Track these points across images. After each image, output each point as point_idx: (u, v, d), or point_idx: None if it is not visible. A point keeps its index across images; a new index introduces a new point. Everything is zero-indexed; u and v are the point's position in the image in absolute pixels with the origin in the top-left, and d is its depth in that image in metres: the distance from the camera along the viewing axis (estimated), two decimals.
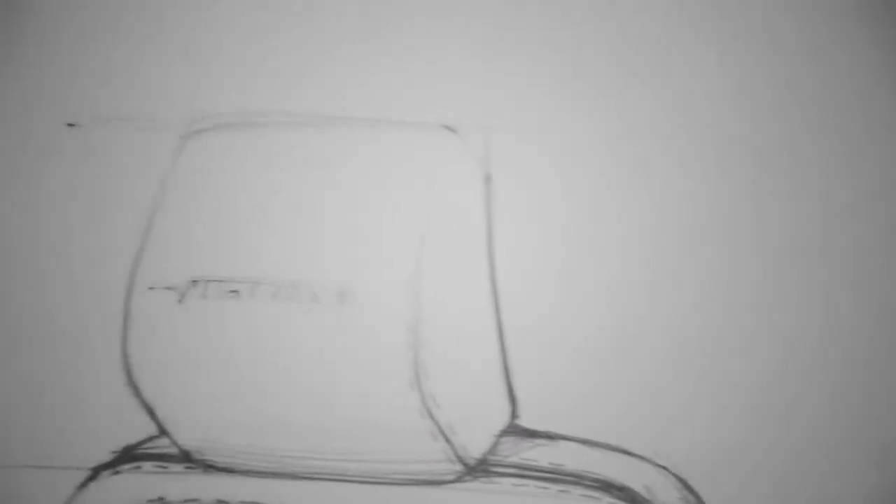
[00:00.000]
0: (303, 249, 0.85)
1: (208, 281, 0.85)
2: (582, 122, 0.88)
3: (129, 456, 0.89)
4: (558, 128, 0.88)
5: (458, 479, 0.86)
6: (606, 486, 0.86)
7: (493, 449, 0.87)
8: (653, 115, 0.88)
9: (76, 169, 0.91)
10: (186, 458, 0.88)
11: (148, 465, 0.89)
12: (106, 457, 0.90)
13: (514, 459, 0.87)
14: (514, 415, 0.88)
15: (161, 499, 0.88)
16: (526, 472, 0.87)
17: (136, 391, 0.86)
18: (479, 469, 0.87)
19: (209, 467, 0.88)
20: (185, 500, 0.87)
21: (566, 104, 0.88)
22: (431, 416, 0.83)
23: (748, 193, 0.88)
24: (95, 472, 0.89)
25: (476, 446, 0.86)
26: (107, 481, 0.89)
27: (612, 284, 0.88)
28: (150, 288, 0.86)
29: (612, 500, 0.85)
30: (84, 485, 0.89)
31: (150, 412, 0.87)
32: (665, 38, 0.89)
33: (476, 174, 0.87)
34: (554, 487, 0.86)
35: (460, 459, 0.85)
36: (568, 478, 0.86)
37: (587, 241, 0.88)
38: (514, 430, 0.88)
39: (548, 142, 0.88)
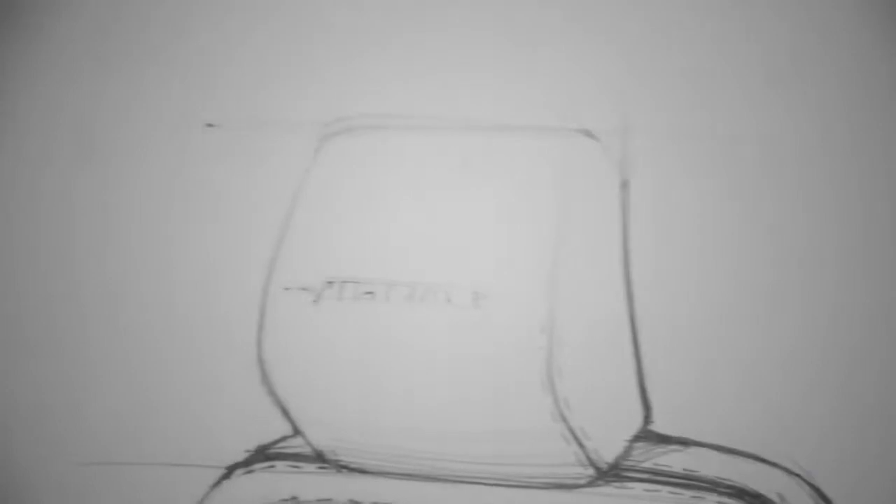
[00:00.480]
0: (438, 251, 0.85)
1: (344, 282, 0.85)
2: (721, 126, 0.87)
3: (263, 455, 0.90)
4: (697, 132, 0.87)
5: (591, 484, 0.86)
6: (740, 493, 0.85)
7: (625, 454, 0.87)
8: (797, 117, 0.87)
9: (214, 170, 0.92)
10: (320, 458, 0.88)
11: (281, 465, 0.89)
12: (240, 456, 0.90)
13: (647, 465, 0.87)
14: (647, 420, 0.87)
15: (294, 498, 0.88)
16: (659, 477, 0.86)
17: (271, 391, 0.87)
18: (612, 474, 0.86)
19: (342, 468, 0.88)
20: (318, 500, 0.88)
21: (706, 107, 0.88)
22: (564, 420, 0.83)
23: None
24: (230, 471, 0.90)
25: (609, 451, 0.86)
26: (240, 480, 0.90)
27: (748, 289, 0.87)
28: (286, 288, 0.86)
29: None
30: (218, 483, 0.90)
31: (285, 412, 0.87)
32: (802, 41, 0.88)
33: (613, 179, 0.87)
34: (687, 493, 0.86)
35: (592, 463, 0.85)
36: (701, 484, 0.86)
37: (724, 246, 0.87)
38: (648, 436, 0.88)
39: (686, 146, 0.87)
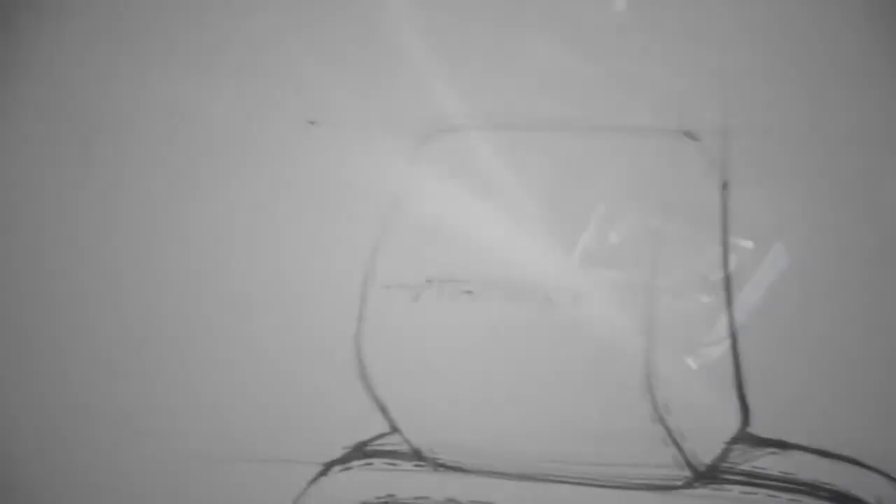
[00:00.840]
0: (538, 251, 0.85)
1: (443, 281, 0.86)
2: (822, 125, 0.87)
3: (361, 452, 0.90)
4: (798, 132, 0.87)
5: (688, 486, 0.86)
6: (838, 498, 0.85)
7: (723, 456, 0.87)
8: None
9: (315, 167, 0.92)
10: (417, 456, 0.89)
11: (378, 462, 0.90)
12: (338, 453, 0.90)
13: (745, 467, 0.87)
14: (745, 422, 0.87)
15: (391, 495, 0.89)
16: (756, 480, 0.86)
17: (369, 388, 0.88)
18: (709, 476, 0.86)
19: (439, 466, 0.88)
20: (415, 498, 0.88)
21: (807, 107, 0.87)
22: (662, 421, 0.83)
23: None
24: (327, 468, 0.90)
25: (706, 453, 0.86)
26: (338, 477, 0.90)
27: (848, 291, 0.86)
28: (386, 287, 0.87)
29: None
30: (315, 480, 0.90)
31: (382, 409, 0.88)
32: None
33: (713, 179, 0.87)
34: (784, 497, 0.85)
35: (690, 465, 0.85)
36: (799, 487, 0.85)
37: (824, 247, 0.86)
38: (745, 438, 0.87)
39: (787, 146, 0.87)
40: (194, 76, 0.94)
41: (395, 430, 0.88)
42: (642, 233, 0.85)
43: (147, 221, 0.94)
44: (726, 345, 0.86)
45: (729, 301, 0.86)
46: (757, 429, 0.87)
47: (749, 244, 0.86)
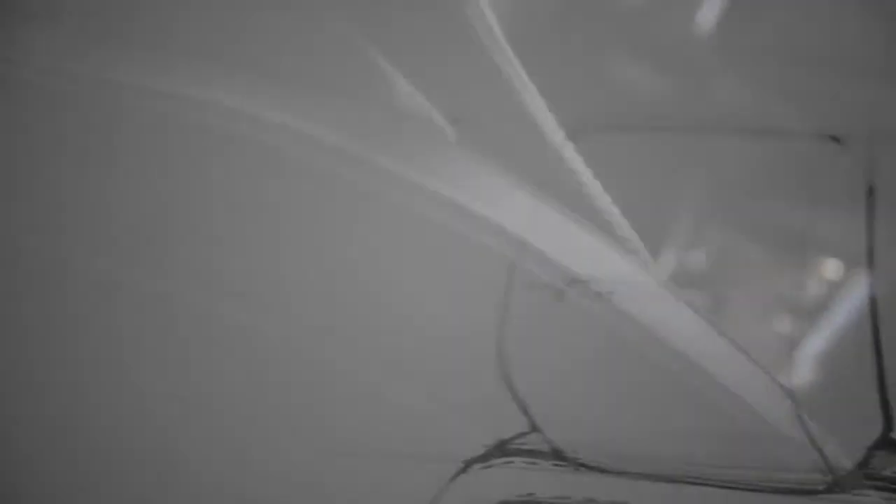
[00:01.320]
0: (682, 253, 0.85)
1: (587, 281, 0.86)
2: None
3: (501, 451, 0.91)
4: None
5: (828, 490, 0.86)
6: None
7: (865, 461, 0.86)
8: None
9: (458, 164, 0.93)
10: (557, 456, 0.89)
11: (519, 461, 0.90)
12: (478, 451, 0.91)
13: (886, 473, 0.86)
14: (888, 427, 0.86)
15: (530, 494, 0.89)
16: None
17: (511, 387, 0.88)
18: (851, 481, 0.86)
19: (580, 466, 0.89)
20: (555, 498, 0.89)
21: None
22: (804, 426, 0.83)
23: None
24: (467, 466, 0.91)
25: (848, 458, 0.85)
26: (477, 475, 0.91)
27: None
28: (529, 285, 0.88)
29: None
30: (455, 478, 0.91)
31: (524, 408, 0.89)
32: None
33: (859, 185, 0.87)
34: None
35: (831, 470, 0.85)
36: None
37: None
38: (888, 444, 0.87)
39: None
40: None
41: (535, 429, 0.89)
42: (786, 237, 0.85)
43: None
44: (869, 350, 0.86)
45: (874, 306, 0.86)
46: None
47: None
